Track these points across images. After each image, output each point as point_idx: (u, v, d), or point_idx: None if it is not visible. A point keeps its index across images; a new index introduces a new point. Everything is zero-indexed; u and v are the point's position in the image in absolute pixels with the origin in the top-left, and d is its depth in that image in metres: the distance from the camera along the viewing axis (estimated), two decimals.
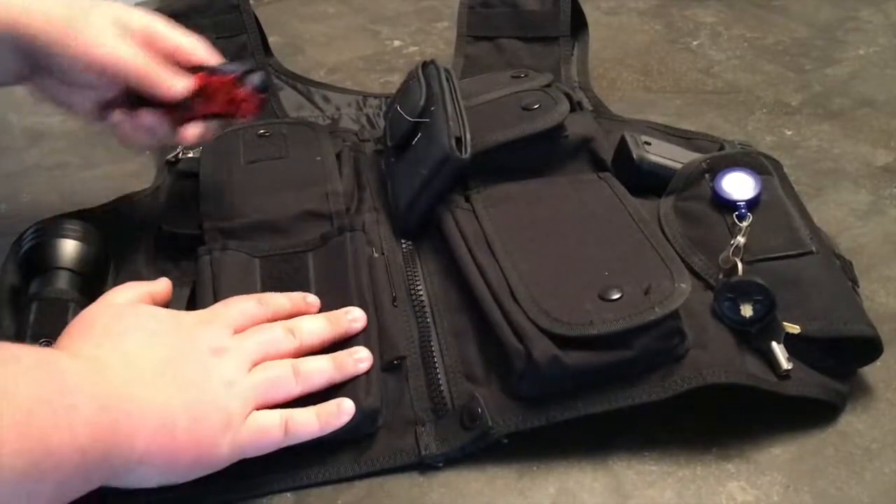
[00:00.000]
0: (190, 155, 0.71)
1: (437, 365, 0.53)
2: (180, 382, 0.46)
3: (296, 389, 0.49)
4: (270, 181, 0.65)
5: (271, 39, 0.85)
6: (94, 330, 0.47)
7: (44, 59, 0.56)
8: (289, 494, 0.49)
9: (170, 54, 0.59)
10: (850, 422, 0.52)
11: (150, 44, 0.58)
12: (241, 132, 0.70)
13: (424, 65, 0.67)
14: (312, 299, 0.55)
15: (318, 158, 0.67)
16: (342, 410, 0.48)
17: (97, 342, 0.46)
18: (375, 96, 0.83)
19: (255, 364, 0.49)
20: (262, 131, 0.70)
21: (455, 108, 0.61)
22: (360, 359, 0.51)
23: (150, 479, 0.45)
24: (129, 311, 0.50)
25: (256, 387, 0.48)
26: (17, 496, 0.38)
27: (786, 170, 0.66)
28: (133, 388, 0.44)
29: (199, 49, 0.60)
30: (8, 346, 0.41)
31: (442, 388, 0.52)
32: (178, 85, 0.58)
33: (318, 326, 0.52)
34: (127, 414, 0.43)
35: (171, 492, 0.46)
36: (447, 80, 0.64)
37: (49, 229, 0.59)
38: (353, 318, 0.53)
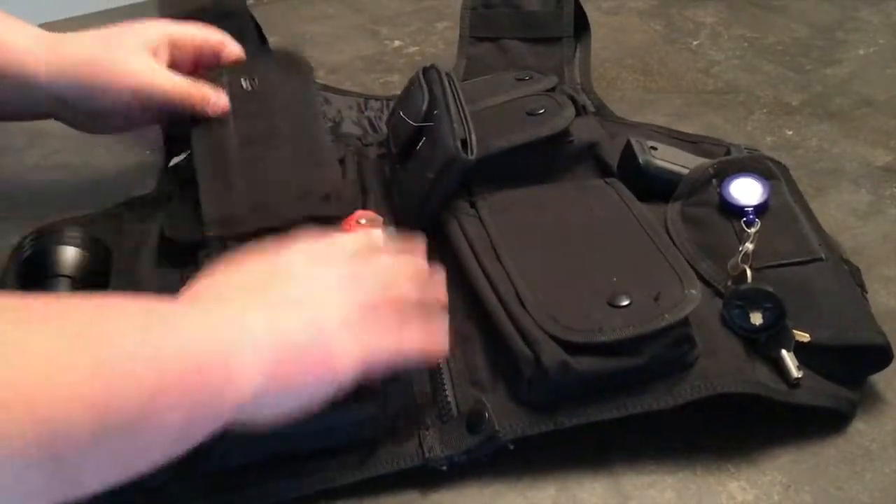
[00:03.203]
0: None
1: (442, 370, 0.53)
2: (293, 323, 0.43)
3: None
4: (270, 184, 0.63)
5: (271, 39, 0.85)
6: (216, 274, 0.46)
7: (75, 99, 0.56)
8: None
9: (199, 54, 0.57)
10: (851, 422, 0.52)
11: (176, 52, 0.56)
12: (227, 80, 0.65)
13: (425, 70, 0.66)
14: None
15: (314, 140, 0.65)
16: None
17: (211, 281, 0.45)
18: (377, 98, 0.82)
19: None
20: (248, 83, 0.66)
21: (458, 110, 0.61)
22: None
23: (281, 408, 0.43)
24: (255, 256, 0.47)
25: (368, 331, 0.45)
26: (143, 440, 0.37)
27: None
28: (244, 334, 0.42)
29: (227, 40, 0.57)
30: (110, 298, 0.40)
31: (447, 393, 0.52)
32: (221, 101, 0.56)
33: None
34: (240, 355, 0.41)
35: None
36: (449, 83, 0.63)
37: (48, 236, 0.58)
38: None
